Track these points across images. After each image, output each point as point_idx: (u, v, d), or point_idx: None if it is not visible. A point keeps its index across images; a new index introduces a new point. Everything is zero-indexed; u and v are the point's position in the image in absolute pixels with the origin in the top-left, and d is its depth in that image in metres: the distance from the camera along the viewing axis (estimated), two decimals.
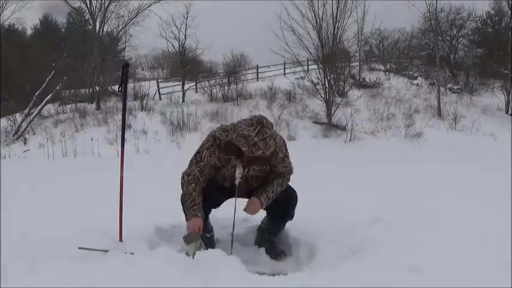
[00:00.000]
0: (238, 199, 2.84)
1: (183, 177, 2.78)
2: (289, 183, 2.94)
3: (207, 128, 14.97)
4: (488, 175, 6.34)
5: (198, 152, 2.81)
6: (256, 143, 2.54)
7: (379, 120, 16.42)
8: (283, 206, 2.89)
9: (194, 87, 20.58)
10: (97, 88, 18.37)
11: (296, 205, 2.94)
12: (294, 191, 2.95)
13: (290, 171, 2.89)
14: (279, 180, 2.83)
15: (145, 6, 20.60)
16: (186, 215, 2.75)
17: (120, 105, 16.72)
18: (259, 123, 2.58)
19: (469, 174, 6.69)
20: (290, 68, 22.52)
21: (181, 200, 2.79)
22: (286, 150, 2.86)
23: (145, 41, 21.91)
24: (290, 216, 2.98)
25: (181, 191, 2.79)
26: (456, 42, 23.83)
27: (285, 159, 2.83)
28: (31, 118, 15.65)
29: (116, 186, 2.93)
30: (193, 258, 2.55)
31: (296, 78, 19.53)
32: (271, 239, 3.06)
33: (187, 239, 2.66)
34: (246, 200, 2.85)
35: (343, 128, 15.46)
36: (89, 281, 2.29)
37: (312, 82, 16.64)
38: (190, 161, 2.82)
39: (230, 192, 2.82)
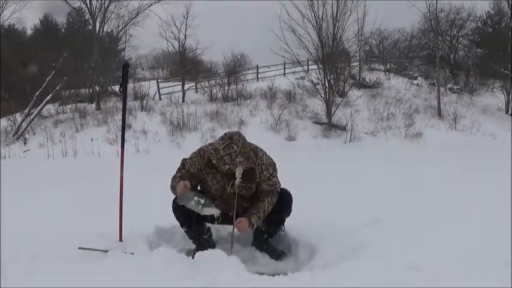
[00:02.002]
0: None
1: (170, 182, 2.90)
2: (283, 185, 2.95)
3: (207, 128, 15.00)
4: (488, 175, 6.33)
5: (182, 159, 2.95)
6: (223, 157, 2.66)
7: (379, 120, 16.42)
8: (279, 207, 2.88)
9: (194, 87, 20.58)
10: (97, 88, 18.38)
11: (292, 203, 2.94)
12: (287, 190, 2.95)
13: (276, 190, 2.88)
14: (268, 198, 2.84)
15: (146, 7, 20.67)
16: (176, 191, 2.82)
17: (120, 105, 16.72)
18: (230, 138, 2.69)
19: (469, 174, 6.68)
20: (290, 68, 22.51)
21: (172, 190, 2.86)
22: (274, 170, 2.88)
23: (145, 41, 22.00)
24: (287, 214, 2.98)
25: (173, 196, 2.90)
26: (456, 42, 23.82)
27: (270, 178, 2.85)
28: (31, 118, 15.65)
29: (116, 186, 2.93)
30: (203, 213, 2.69)
31: (296, 78, 19.53)
32: (271, 242, 3.05)
33: (182, 199, 2.70)
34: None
35: (343, 128, 15.45)
36: (89, 281, 2.30)
37: (312, 82, 16.64)
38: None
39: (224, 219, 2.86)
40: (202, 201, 2.68)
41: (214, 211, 2.73)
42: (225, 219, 2.84)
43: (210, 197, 2.88)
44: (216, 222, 2.82)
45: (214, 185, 2.85)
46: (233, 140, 2.67)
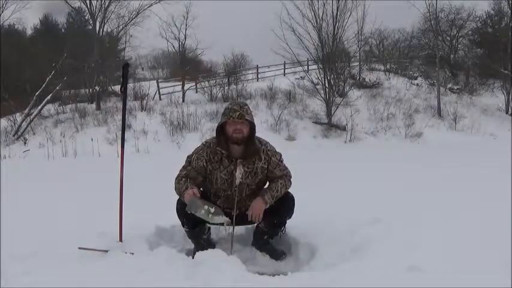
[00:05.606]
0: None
1: (174, 183, 2.86)
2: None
3: (207, 128, 15.01)
4: (488, 175, 6.32)
5: (187, 157, 2.92)
6: (232, 107, 2.75)
7: (379, 120, 16.42)
8: (281, 209, 2.88)
9: (194, 87, 20.58)
10: (97, 88, 18.37)
11: (294, 206, 2.93)
12: (289, 193, 2.95)
13: (289, 174, 2.93)
14: (282, 180, 2.87)
15: (146, 7, 20.66)
16: (184, 198, 2.76)
17: (120, 105, 16.74)
18: (234, 102, 2.87)
19: (469, 174, 6.68)
20: (290, 68, 22.52)
21: (177, 193, 2.83)
22: (281, 156, 2.93)
23: (145, 41, 21.99)
24: (289, 216, 2.97)
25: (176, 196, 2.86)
26: (456, 42, 23.87)
27: (280, 164, 2.89)
28: (31, 118, 15.66)
29: (116, 186, 2.93)
30: (212, 222, 2.69)
31: (296, 78, 19.55)
32: (271, 242, 3.04)
33: (191, 208, 2.66)
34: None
35: (343, 128, 15.46)
36: (89, 281, 2.30)
37: (312, 82, 16.66)
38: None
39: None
40: (212, 209, 2.66)
41: (223, 219, 2.71)
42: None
43: (214, 194, 2.89)
44: (225, 225, 2.80)
45: (221, 171, 2.83)
46: (237, 101, 2.81)
